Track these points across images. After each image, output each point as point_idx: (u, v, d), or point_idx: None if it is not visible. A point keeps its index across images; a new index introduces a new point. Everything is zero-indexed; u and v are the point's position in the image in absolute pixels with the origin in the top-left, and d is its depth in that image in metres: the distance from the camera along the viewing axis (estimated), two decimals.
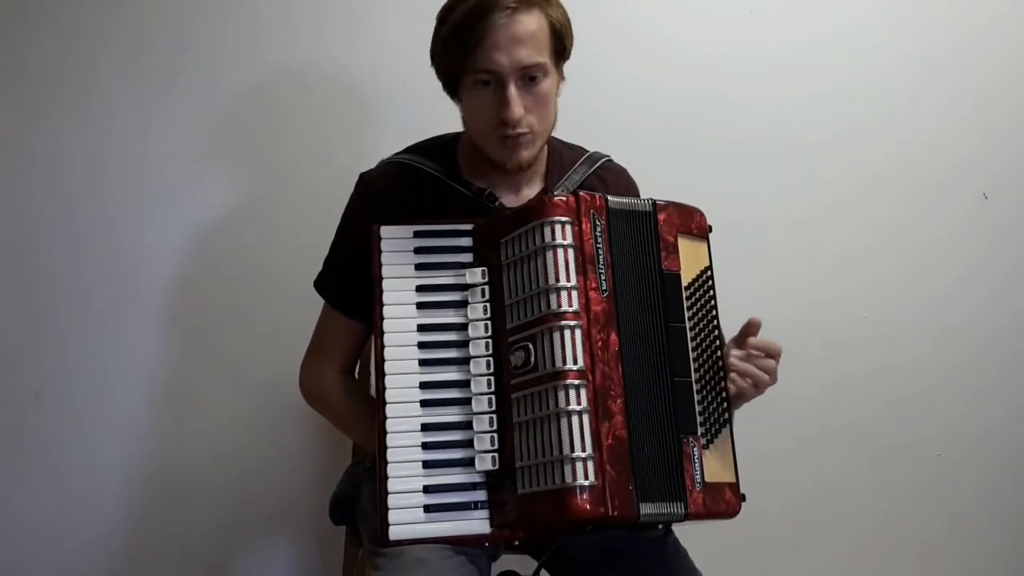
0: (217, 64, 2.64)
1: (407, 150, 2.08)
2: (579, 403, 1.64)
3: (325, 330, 2.08)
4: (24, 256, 2.57)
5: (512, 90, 1.82)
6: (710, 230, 1.89)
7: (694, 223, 1.86)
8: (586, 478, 1.61)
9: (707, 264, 1.86)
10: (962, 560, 2.89)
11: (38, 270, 2.57)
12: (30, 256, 2.56)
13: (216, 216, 2.59)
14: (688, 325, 1.80)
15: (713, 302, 1.85)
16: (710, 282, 1.86)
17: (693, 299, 1.82)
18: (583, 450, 1.62)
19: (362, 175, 2.05)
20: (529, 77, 1.84)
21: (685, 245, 1.83)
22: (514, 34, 1.79)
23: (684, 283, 1.81)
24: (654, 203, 1.83)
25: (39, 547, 2.54)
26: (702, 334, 1.81)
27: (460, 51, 1.83)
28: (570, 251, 1.70)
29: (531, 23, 1.80)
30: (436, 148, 2.06)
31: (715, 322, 1.84)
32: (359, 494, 2.04)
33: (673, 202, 1.85)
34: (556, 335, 1.67)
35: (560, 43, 1.87)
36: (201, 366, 2.62)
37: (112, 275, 2.58)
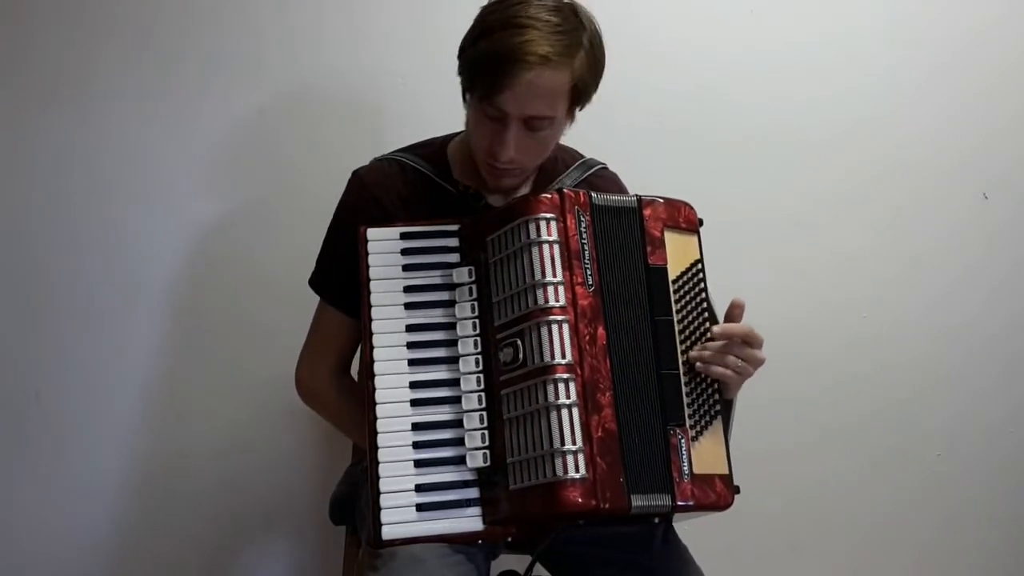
0: (215, 65, 2.64)
1: (400, 149, 2.09)
2: (568, 397, 1.65)
3: (321, 327, 2.09)
4: (24, 256, 2.57)
5: (511, 133, 1.83)
6: (700, 223, 1.89)
7: (682, 217, 1.86)
8: (577, 471, 1.62)
9: (697, 257, 1.86)
10: (962, 560, 2.89)
11: (38, 270, 2.57)
12: (30, 256, 2.57)
13: (215, 216, 2.60)
14: (676, 318, 1.80)
15: (704, 294, 1.85)
16: (701, 275, 1.86)
17: (682, 292, 1.82)
18: (573, 443, 1.63)
19: (354, 172, 2.06)
20: (531, 126, 1.84)
21: (673, 239, 1.84)
22: (533, 89, 1.78)
23: (672, 276, 1.81)
24: (639, 199, 1.84)
25: (39, 547, 2.55)
26: (692, 326, 1.82)
27: (478, 79, 1.82)
28: (555, 247, 1.71)
29: (554, 81, 1.78)
30: (427, 148, 2.08)
31: (706, 314, 1.84)
32: (359, 494, 2.04)
33: (660, 197, 1.86)
34: (544, 330, 1.68)
35: (578, 100, 1.87)
36: (201, 366, 2.63)
37: (112, 275, 2.59)
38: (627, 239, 1.80)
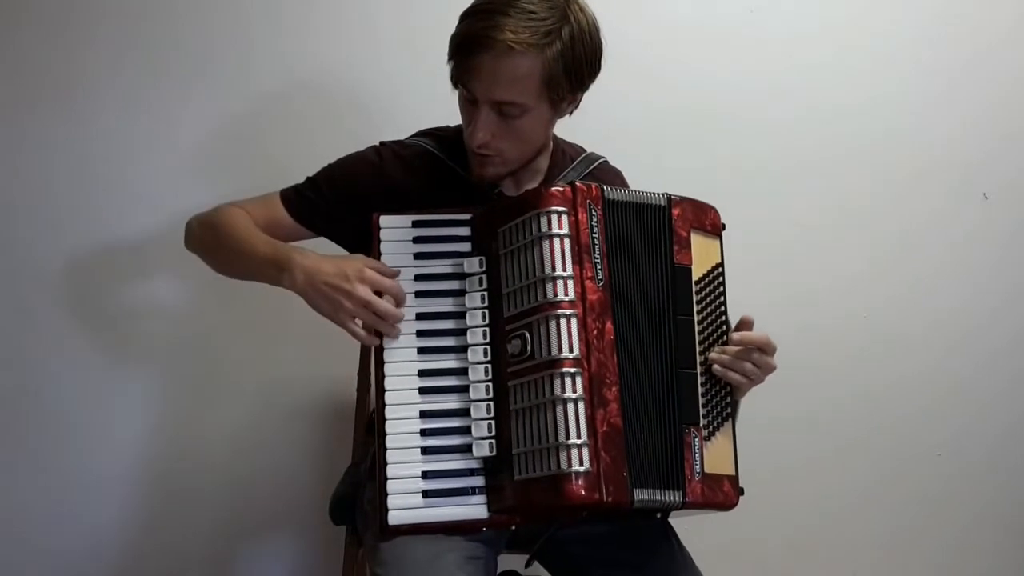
0: (206, 63, 2.65)
1: (419, 133, 2.12)
2: (574, 391, 1.66)
3: (267, 209, 2.07)
4: (24, 256, 2.56)
5: (482, 115, 1.86)
6: (723, 227, 1.91)
7: (708, 220, 1.88)
8: (581, 464, 1.63)
9: (719, 261, 1.89)
10: (969, 570, 2.92)
11: (37, 270, 2.56)
12: (30, 256, 2.56)
13: None
14: (696, 319, 1.82)
15: (723, 298, 1.87)
16: (721, 278, 1.88)
17: (703, 294, 1.84)
18: (578, 437, 1.64)
19: (383, 142, 2.08)
20: (503, 111, 1.86)
21: (698, 241, 1.85)
22: (497, 73, 1.81)
23: (695, 278, 1.83)
24: (669, 197, 1.85)
25: (39, 547, 2.53)
26: (710, 328, 1.84)
27: (452, 62, 1.87)
28: (566, 240, 1.72)
29: (520, 67, 1.80)
30: (443, 133, 2.10)
31: (724, 317, 1.86)
32: (359, 494, 2.04)
33: (688, 198, 1.87)
34: (552, 324, 1.69)
35: (553, 91, 1.86)
36: (202, 367, 2.63)
37: (112, 275, 2.58)
38: (651, 236, 1.82)
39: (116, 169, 2.60)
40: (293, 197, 2.07)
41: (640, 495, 1.68)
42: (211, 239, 2.07)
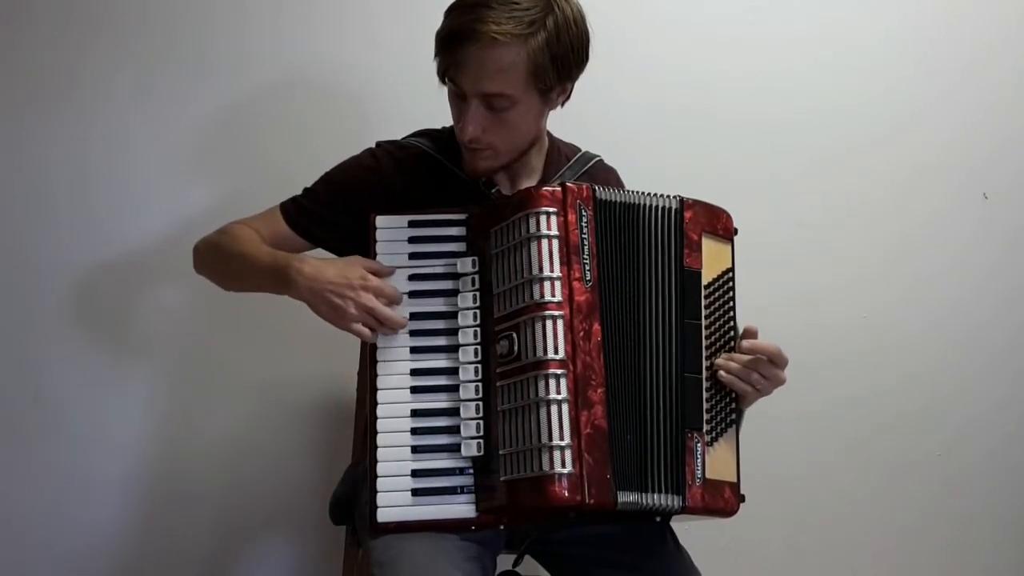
0: (206, 64, 2.65)
1: (416, 134, 2.12)
2: (559, 392, 1.66)
3: (269, 225, 2.08)
4: (24, 256, 2.56)
5: (471, 109, 1.86)
6: (735, 232, 1.89)
7: (720, 224, 1.87)
8: (564, 466, 1.63)
9: (729, 266, 1.87)
10: (965, 568, 2.91)
11: (38, 270, 2.56)
12: (30, 256, 2.56)
13: (212, 217, 2.58)
14: (704, 324, 1.81)
15: (732, 303, 1.86)
16: (731, 283, 1.87)
17: (712, 298, 1.83)
18: (562, 439, 1.64)
19: (379, 143, 2.09)
20: (491, 104, 1.86)
21: (709, 245, 1.84)
22: (483, 65, 1.81)
23: (704, 282, 1.82)
24: (681, 200, 1.84)
25: (39, 548, 2.54)
26: (717, 334, 1.83)
27: (438, 57, 1.88)
28: (555, 241, 1.72)
29: (505, 58, 1.81)
30: (441, 134, 2.10)
31: (732, 323, 1.85)
32: (359, 494, 2.03)
33: (701, 201, 1.86)
34: (539, 325, 1.69)
35: (541, 78, 1.86)
36: (201, 367, 2.63)
37: (112, 275, 2.58)
38: (659, 238, 1.82)
39: (116, 169, 2.60)
40: (291, 208, 2.08)
41: (624, 497, 1.68)
42: (216, 258, 2.09)
